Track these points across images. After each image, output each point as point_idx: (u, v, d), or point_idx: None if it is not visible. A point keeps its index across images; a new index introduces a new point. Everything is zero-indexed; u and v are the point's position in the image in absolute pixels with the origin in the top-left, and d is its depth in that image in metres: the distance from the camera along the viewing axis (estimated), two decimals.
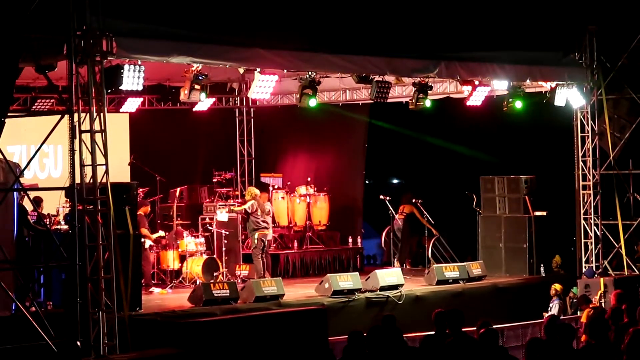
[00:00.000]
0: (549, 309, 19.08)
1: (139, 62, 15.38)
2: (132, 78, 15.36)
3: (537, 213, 21.77)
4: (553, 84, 21.02)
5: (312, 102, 19.03)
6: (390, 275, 18.97)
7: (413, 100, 20.08)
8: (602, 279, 19.53)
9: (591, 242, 21.54)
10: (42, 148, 14.94)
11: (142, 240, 17.98)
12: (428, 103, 20.18)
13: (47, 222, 17.13)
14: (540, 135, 25.03)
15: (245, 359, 13.64)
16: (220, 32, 16.14)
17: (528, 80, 20.64)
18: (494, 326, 12.20)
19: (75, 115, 14.15)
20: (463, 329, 11.65)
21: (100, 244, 14.20)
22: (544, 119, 23.29)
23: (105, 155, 14.26)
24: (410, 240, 23.06)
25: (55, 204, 17.85)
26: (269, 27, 16.79)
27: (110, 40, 14.32)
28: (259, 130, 25.14)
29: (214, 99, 23.15)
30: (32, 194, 16.56)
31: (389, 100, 20.11)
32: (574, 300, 19.64)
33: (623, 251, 21.19)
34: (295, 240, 22.82)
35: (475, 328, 12.12)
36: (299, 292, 18.97)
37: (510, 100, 20.93)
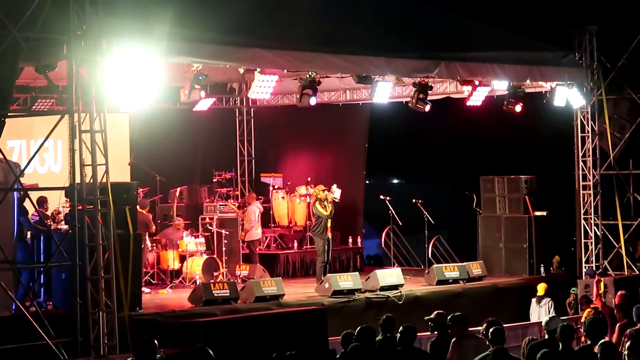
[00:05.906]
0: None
1: None
2: None
3: (537, 213, 21.76)
4: (553, 84, 21.01)
5: (312, 102, 19.07)
6: (390, 275, 18.98)
7: (413, 100, 20.07)
8: (602, 279, 19.52)
9: (591, 242, 21.53)
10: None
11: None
12: (427, 108, 20.13)
13: (52, 221, 17.12)
14: (540, 135, 25.06)
15: (245, 359, 13.63)
16: (220, 32, 16.12)
17: (528, 80, 20.63)
18: None
19: (75, 115, 14.16)
20: (469, 328, 11.70)
21: (100, 244, 14.20)
22: (544, 119, 23.30)
23: (105, 155, 14.26)
24: None
25: (55, 202, 17.84)
26: (270, 27, 16.77)
27: (110, 40, 14.32)
28: (258, 130, 25.12)
29: (214, 99, 23.12)
30: (37, 194, 16.57)
31: (389, 100, 20.09)
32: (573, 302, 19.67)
33: (623, 251, 21.19)
34: (295, 240, 22.82)
35: (480, 328, 12.09)
36: (299, 292, 18.98)
37: (511, 100, 20.94)
